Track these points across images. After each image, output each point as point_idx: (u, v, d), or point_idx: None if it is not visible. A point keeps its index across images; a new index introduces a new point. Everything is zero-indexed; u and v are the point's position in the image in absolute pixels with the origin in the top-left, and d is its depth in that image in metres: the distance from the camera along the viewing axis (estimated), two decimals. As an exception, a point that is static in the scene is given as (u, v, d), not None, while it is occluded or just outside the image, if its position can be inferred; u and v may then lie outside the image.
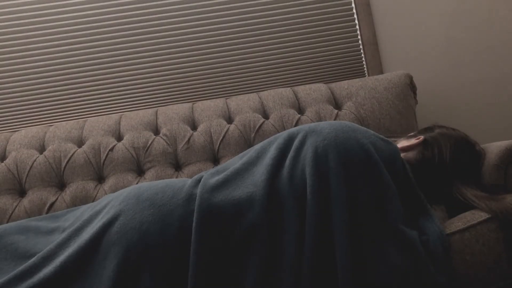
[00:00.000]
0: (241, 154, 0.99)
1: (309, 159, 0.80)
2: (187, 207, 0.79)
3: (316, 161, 0.80)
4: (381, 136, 0.90)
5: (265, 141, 0.95)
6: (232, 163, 0.95)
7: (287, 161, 0.84)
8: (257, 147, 0.95)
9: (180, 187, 0.83)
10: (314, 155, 0.80)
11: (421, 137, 1.02)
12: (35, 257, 0.77)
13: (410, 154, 0.99)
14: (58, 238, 0.83)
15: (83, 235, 0.79)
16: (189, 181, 0.86)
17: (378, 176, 0.80)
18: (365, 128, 0.90)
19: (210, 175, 0.87)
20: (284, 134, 0.91)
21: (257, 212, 0.77)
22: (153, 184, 0.86)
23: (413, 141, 1.02)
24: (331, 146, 0.81)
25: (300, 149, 0.84)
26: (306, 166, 0.80)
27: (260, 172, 0.84)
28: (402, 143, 1.04)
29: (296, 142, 0.86)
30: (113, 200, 0.85)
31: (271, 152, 0.87)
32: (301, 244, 0.74)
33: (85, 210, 0.93)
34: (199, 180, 0.87)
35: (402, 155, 0.98)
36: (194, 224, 0.75)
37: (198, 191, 0.81)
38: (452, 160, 0.95)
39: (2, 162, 1.32)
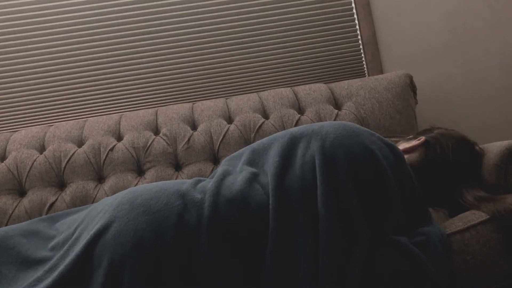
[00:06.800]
0: (239, 154, 0.98)
1: (319, 168, 0.79)
2: (182, 214, 0.77)
3: (326, 171, 0.78)
4: (384, 139, 0.89)
5: (266, 142, 0.93)
6: (233, 166, 0.94)
7: (297, 171, 0.81)
8: (257, 148, 0.94)
9: (174, 193, 0.81)
10: (323, 165, 0.79)
11: (422, 138, 1.01)
12: (41, 271, 0.76)
13: (413, 156, 0.99)
14: (59, 249, 0.81)
15: (80, 243, 0.78)
16: (185, 186, 0.84)
17: (385, 185, 0.80)
18: (368, 131, 0.88)
19: (217, 184, 0.84)
20: (286, 138, 0.89)
21: (270, 222, 0.76)
22: (147, 188, 0.84)
23: (414, 142, 1.02)
24: (339, 154, 0.80)
25: (305, 155, 0.82)
26: (317, 174, 0.79)
27: (267, 180, 0.83)
28: (403, 145, 1.03)
29: (301, 149, 0.84)
30: (107, 205, 0.83)
31: (274, 159, 0.85)
32: (316, 254, 0.73)
33: (81, 214, 0.91)
34: (194, 184, 0.85)
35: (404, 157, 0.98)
36: (207, 238, 0.74)
37: (208, 203, 0.78)
38: (454, 159, 0.95)
39: (2, 162, 1.32)
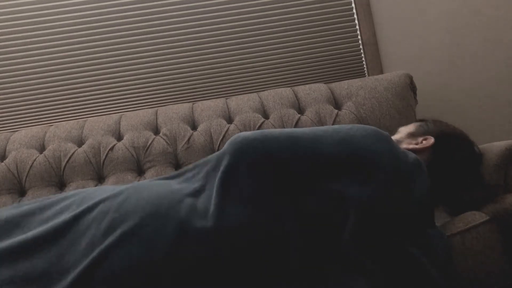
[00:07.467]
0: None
1: None
2: (178, 247, 0.71)
3: None
4: (409, 153, 0.87)
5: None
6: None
7: None
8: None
9: (172, 220, 0.73)
10: None
11: (432, 140, 0.98)
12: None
13: (420, 157, 0.97)
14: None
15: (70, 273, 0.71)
16: (183, 210, 0.75)
17: (406, 193, 0.79)
18: (386, 135, 0.85)
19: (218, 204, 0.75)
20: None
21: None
22: (140, 203, 0.75)
23: (423, 143, 0.99)
24: None
25: None
26: None
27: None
28: (407, 145, 1.01)
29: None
30: (94, 226, 0.74)
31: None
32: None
33: (76, 203, 0.82)
34: (194, 203, 0.77)
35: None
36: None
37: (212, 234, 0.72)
38: (456, 160, 0.95)
39: (2, 162, 1.32)
